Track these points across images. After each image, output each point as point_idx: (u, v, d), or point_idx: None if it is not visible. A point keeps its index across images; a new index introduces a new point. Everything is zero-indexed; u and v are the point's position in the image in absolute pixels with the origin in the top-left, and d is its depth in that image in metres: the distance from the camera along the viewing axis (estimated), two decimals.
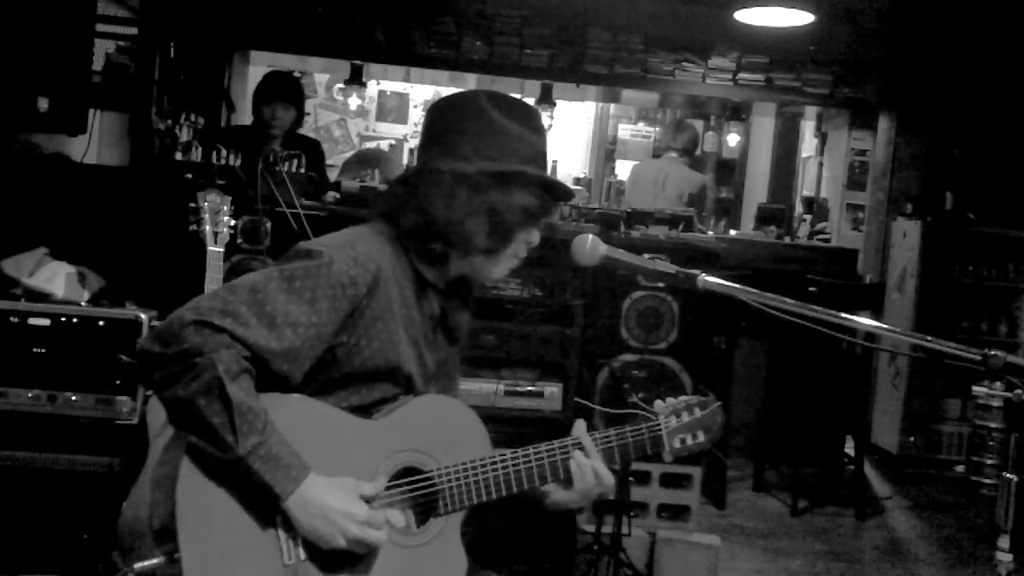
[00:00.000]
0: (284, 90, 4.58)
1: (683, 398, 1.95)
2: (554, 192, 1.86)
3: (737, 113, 6.65)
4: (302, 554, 1.65)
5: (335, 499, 1.62)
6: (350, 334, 1.71)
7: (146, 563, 1.58)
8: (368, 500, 1.68)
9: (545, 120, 6.37)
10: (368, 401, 1.76)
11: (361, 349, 1.73)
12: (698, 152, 6.94)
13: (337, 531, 1.62)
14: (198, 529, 1.59)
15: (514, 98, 1.89)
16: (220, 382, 1.56)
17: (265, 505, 1.61)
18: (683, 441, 1.92)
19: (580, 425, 1.89)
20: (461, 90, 1.93)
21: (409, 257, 1.81)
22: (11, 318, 3.05)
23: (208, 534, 1.59)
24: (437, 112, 1.87)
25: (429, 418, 1.79)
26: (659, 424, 1.90)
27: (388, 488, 1.74)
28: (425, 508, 1.78)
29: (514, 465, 1.80)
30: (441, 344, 1.91)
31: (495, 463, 1.80)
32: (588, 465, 1.84)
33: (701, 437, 1.93)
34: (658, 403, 1.93)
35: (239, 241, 3.42)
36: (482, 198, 1.77)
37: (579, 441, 1.85)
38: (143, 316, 3.12)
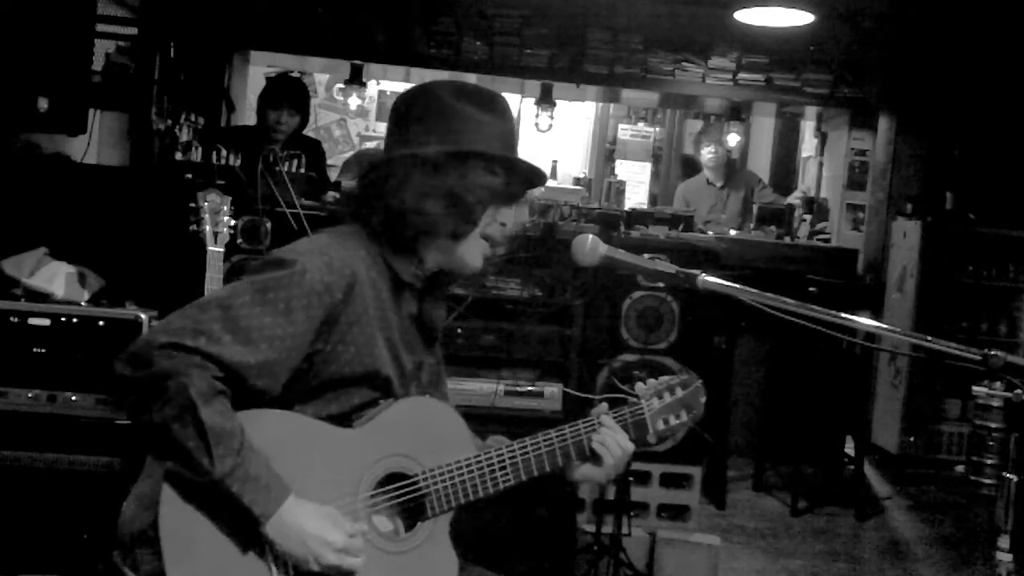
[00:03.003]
0: (291, 96, 4.60)
1: (664, 378, 1.94)
2: (518, 171, 1.84)
3: (737, 113, 6.65)
4: (290, 574, 1.64)
5: (313, 525, 1.61)
6: (326, 341, 1.69)
7: None
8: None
9: (545, 120, 6.39)
10: (347, 408, 1.74)
11: (338, 355, 1.71)
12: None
13: (312, 557, 1.61)
14: (184, 554, 1.58)
15: (476, 86, 1.88)
16: (193, 406, 1.54)
17: (249, 527, 1.60)
18: (666, 422, 1.91)
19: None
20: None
21: (385, 257, 1.79)
22: (11, 318, 3.05)
23: (194, 559, 1.59)
24: (398, 107, 1.87)
25: (410, 421, 1.78)
26: (641, 408, 1.89)
27: (374, 495, 1.73)
28: (412, 512, 1.77)
29: (499, 462, 1.79)
30: (418, 344, 1.89)
31: (480, 462, 1.79)
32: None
33: (684, 416, 1.92)
34: (639, 385, 1.92)
35: (239, 241, 3.42)
36: (440, 179, 1.75)
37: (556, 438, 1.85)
38: (143, 316, 3.11)
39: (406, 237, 1.79)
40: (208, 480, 1.55)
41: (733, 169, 6.92)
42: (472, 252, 1.84)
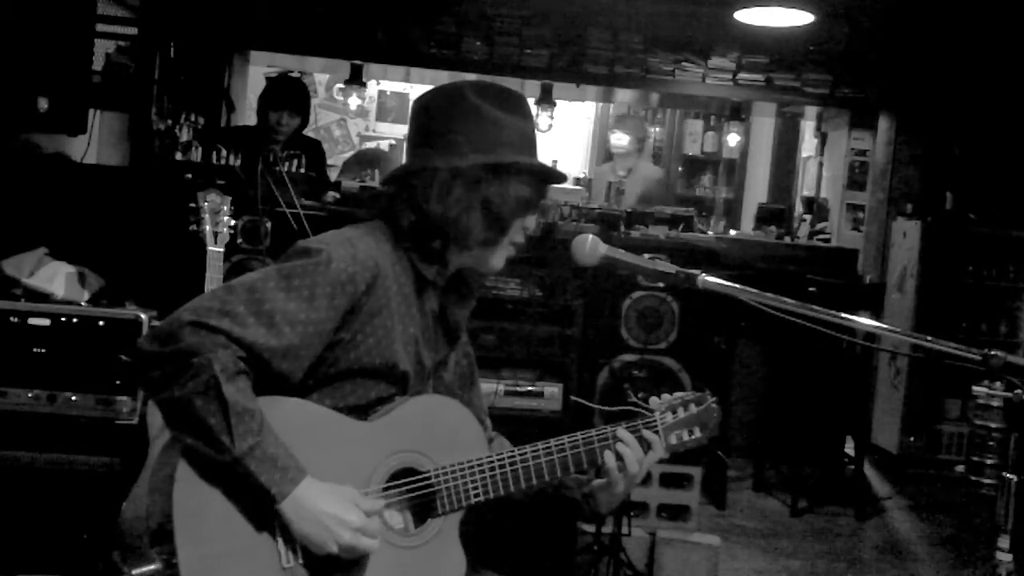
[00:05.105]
0: (292, 97, 4.61)
1: (679, 394, 1.94)
2: (547, 178, 1.87)
3: (737, 113, 6.65)
4: (300, 558, 1.64)
5: (330, 504, 1.62)
6: (347, 330, 1.71)
7: (144, 568, 1.58)
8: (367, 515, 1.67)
9: (545, 120, 6.38)
10: (364, 402, 1.75)
11: (357, 344, 1.72)
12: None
13: (330, 537, 1.61)
14: (195, 533, 1.58)
15: (500, 86, 1.89)
16: (216, 382, 1.55)
17: (262, 508, 1.61)
18: (679, 437, 1.91)
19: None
20: (444, 84, 1.93)
21: (408, 256, 1.81)
22: (11, 318, 3.05)
23: (205, 537, 1.59)
24: (425, 108, 1.86)
25: (425, 418, 1.79)
26: (654, 421, 1.89)
27: (385, 489, 1.74)
28: (423, 509, 1.78)
29: (511, 465, 1.80)
30: (440, 342, 1.91)
31: (491, 463, 1.79)
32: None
33: (698, 433, 1.92)
34: (653, 400, 1.92)
35: (239, 241, 3.42)
36: (477, 191, 1.77)
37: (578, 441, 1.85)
38: (143, 316, 3.12)
39: (436, 244, 1.81)
40: (226, 458, 1.56)
41: (638, 163, 6.52)
42: (498, 256, 1.87)
